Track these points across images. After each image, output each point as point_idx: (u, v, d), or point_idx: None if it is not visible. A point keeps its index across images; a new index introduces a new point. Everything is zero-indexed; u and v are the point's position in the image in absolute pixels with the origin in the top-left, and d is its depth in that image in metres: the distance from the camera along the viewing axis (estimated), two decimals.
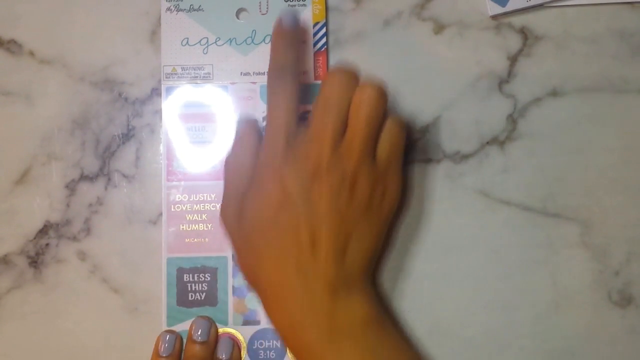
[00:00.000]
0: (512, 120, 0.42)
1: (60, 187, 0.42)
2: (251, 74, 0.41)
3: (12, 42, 0.42)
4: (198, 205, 0.41)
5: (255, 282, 0.37)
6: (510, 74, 0.42)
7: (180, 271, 0.40)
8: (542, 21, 0.42)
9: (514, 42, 0.42)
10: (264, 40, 0.41)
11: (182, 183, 0.41)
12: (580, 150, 0.41)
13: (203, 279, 0.40)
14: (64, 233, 0.42)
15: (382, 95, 0.36)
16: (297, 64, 0.38)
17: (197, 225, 0.41)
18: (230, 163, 0.39)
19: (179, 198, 0.41)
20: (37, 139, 0.42)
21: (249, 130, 0.39)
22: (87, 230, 0.41)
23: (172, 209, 0.41)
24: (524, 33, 0.42)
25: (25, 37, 0.42)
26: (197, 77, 0.41)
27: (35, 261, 0.41)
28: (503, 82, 0.42)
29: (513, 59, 0.42)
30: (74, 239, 0.41)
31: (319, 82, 0.41)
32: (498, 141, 0.42)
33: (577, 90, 0.42)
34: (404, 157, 0.39)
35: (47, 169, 0.42)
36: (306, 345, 0.35)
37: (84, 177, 0.42)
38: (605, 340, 0.40)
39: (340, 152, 0.36)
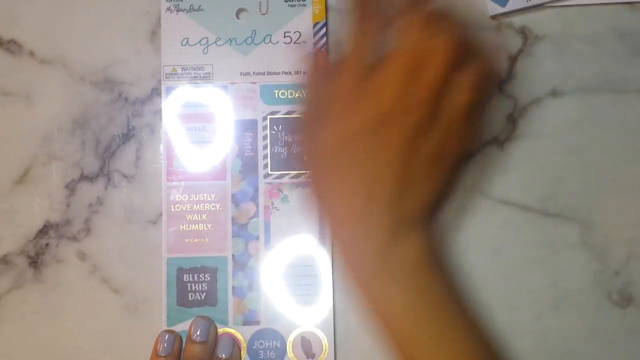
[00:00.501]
0: (512, 120, 0.42)
1: (60, 187, 0.42)
2: (251, 73, 0.41)
3: (12, 42, 0.42)
4: (198, 205, 0.41)
5: (322, 200, 0.36)
6: (510, 74, 0.42)
7: (180, 271, 0.40)
8: (542, 21, 0.42)
9: (514, 42, 0.42)
10: (263, 40, 0.41)
11: (182, 183, 0.41)
12: (580, 150, 0.41)
13: (203, 279, 0.40)
14: (64, 233, 0.42)
15: (459, 43, 0.35)
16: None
17: (197, 225, 0.41)
18: (311, 81, 0.38)
19: (179, 198, 0.41)
20: (37, 139, 0.42)
21: (321, 57, 0.39)
22: (87, 230, 0.41)
23: (172, 209, 0.41)
24: (524, 33, 0.42)
25: (25, 37, 0.42)
26: (197, 77, 0.41)
27: (35, 261, 0.41)
28: (503, 82, 0.42)
29: (513, 59, 0.42)
30: (74, 239, 0.41)
31: None
32: (498, 141, 0.42)
33: (577, 90, 0.42)
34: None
35: (47, 169, 0.42)
36: (361, 280, 0.35)
37: (84, 177, 0.42)
38: (605, 340, 0.40)
39: (414, 92, 0.35)
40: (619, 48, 0.42)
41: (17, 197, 0.42)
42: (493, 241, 0.41)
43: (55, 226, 0.42)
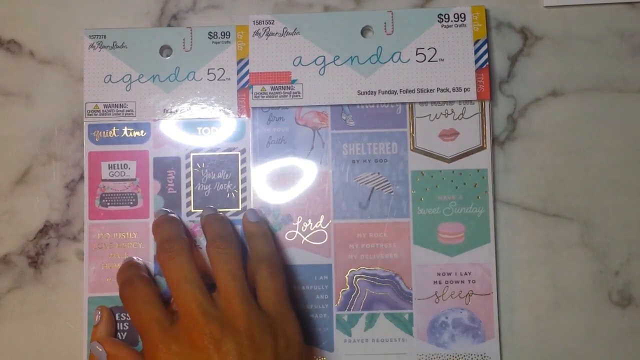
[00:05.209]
0: (512, 120, 0.42)
1: (60, 187, 0.42)
2: (174, 110, 0.41)
3: (12, 42, 0.42)
4: (120, 244, 0.40)
5: None
6: (510, 74, 0.42)
7: None
8: (542, 21, 0.42)
9: (514, 42, 0.42)
10: (187, 77, 0.41)
11: (104, 221, 0.41)
12: (580, 150, 0.41)
13: (124, 318, 0.40)
14: (64, 233, 0.42)
15: (233, 246, 0.37)
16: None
17: (119, 264, 0.40)
18: None
19: (100, 236, 0.41)
20: (37, 139, 0.42)
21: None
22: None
23: (94, 248, 0.41)
24: (524, 33, 0.42)
25: (25, 37, 0.42)
26: (119, 114, 0.41)
27: (35, 261, 0.41)
28: (503, 82, 0.42)
29: (513, 59, 0.42)
30: (74, 239, 0.41)
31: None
32: (498, 141, 0.42)
33: (577, 90, 0.42)
34: None
35: (47, 169, 0.42)
36: None
37: (84, 177, 0.42)
38: (605, 340, 0.40)
39: (221, 316, 0.35)
40: (619, 48, 0.42)
41: (17, 197, 0.42)
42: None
43: (55, 226, 0.42)
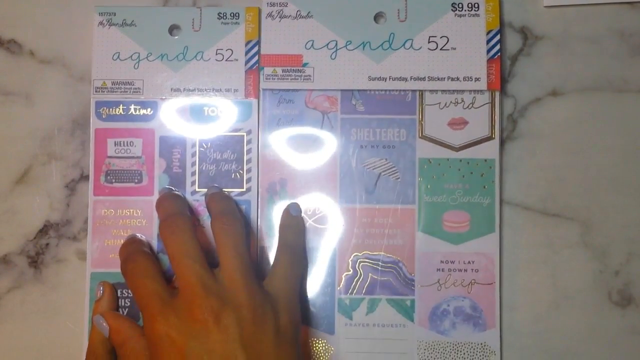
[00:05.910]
0: (512, 120, 0.42)
1: (60, 187, 0.42)
2: (181, 90, 0.41)
3: (12, 42, 0.42)
4: (124, 221, 0.41)
5: None
6: (510, 74, 0.42)
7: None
8: (542, 21, 0.42)
9: (514, 42, 0.42)
10: (195, 56, 0.41)
11: (109, 198, 0.41)
12: (580, 150, 0.41)
13: (126, 294, 0.40)
14: (64, 233, 0.42)
15: (237, 223, 0.37)
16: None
17: (122, 241, 0.40)
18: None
19: (104, 213, 0.41)
20: (37, 139, 0.42)
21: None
22: (87, 230, 0.41)
23: (98, 224, 0.41)
24: (524, 33, 0.42)
25: (25, 37, 0.42)
26: (127, 91, 0.41)
27: (35, 261, 0.41)
28: (503, 82, 0.42)
29: (513, 59, 0.42)
30: (74, 239, 0.42)
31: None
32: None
33: (577, 90, 0.42)
34: None
35: (47, 169, 0.42)
36: None
37: (84, 177, 0.42)
38: (605, 340, 0.41)
39: (222, 290, 0.35)
40: (619, 48, 0.42)
41: (17, 197, 0.42)
42: None
43: (55, 226, 0.42)
